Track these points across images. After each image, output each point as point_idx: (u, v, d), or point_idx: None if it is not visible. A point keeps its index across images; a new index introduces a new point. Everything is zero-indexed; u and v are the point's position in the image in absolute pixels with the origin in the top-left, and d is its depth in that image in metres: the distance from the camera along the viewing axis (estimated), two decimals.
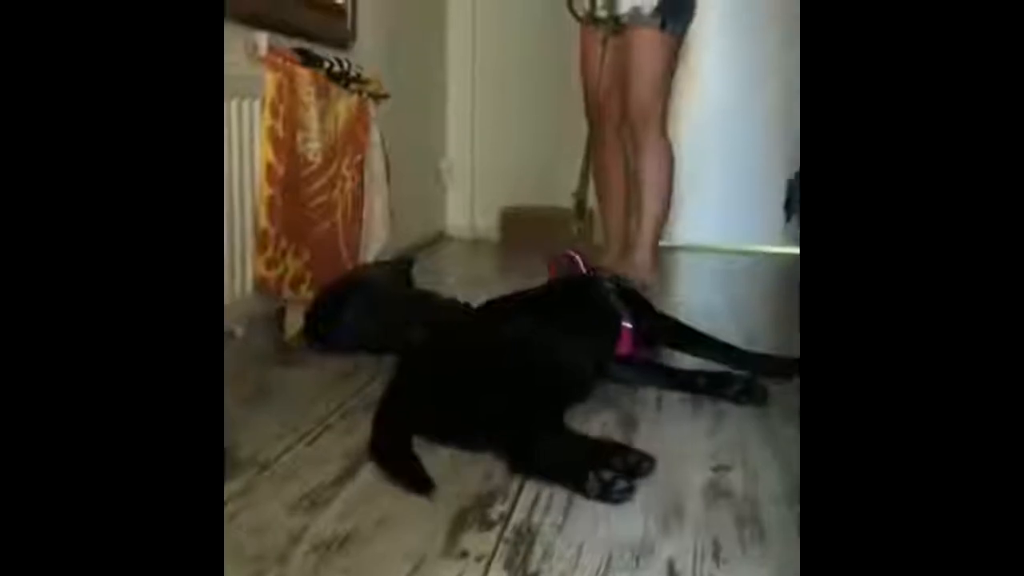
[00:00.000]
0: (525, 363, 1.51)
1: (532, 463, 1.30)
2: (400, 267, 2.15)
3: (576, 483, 1.24)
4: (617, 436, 1.49)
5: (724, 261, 3.42)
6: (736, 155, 3.53)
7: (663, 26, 2.54)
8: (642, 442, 1.45)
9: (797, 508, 1.19)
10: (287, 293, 1.79)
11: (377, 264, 2.15)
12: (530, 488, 1.26)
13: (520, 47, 3.61)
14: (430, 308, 1.99)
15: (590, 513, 1.19)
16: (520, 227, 3.58)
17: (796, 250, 3.09)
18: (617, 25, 2.60)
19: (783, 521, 1.19)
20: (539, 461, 1.30)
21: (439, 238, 3.65)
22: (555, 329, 1.63)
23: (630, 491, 1.24)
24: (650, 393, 1.72)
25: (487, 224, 3.66)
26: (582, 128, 3.56)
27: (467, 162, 3.71)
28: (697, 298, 2.75)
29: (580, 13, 2.68)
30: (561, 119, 3.60)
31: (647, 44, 2.55)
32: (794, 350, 1.48)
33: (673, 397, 1.68)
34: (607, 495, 1.22)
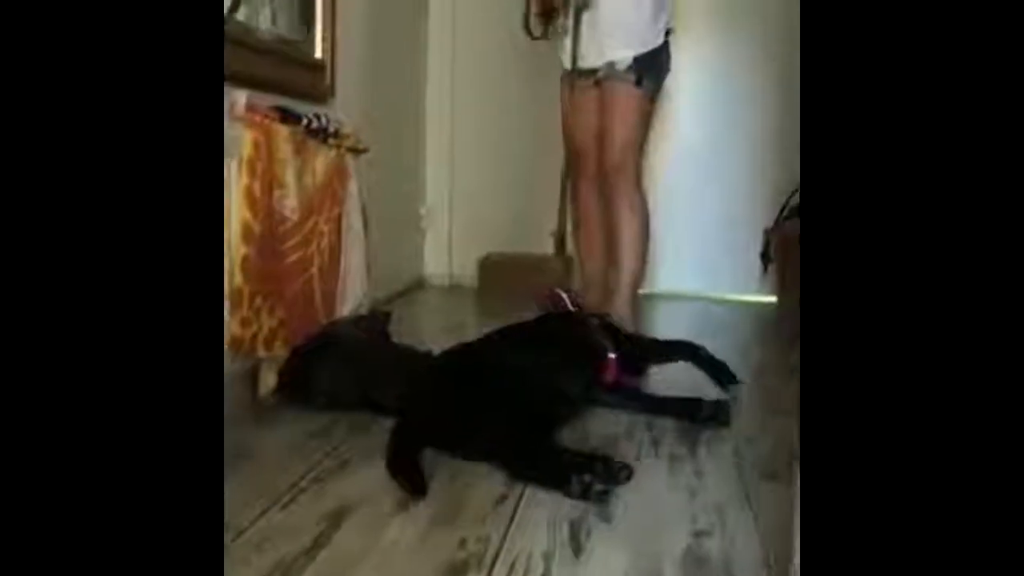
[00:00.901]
0: (522, 387, 1.73)
1: (525, 471, 1.53)
2: (376, 321, 2.14)
3: (560, 486, 1.46)
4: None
5: (701, 308, 3.44)
6: (714, 204, 3.57)
7: (638, 83, 2.59)
8: (621, 505, 1.45)
9: (774, 573, 1.20)
10: (261, 352, 1.78)
11: (353, 319, 2.14)
12: (506, 557, 1.25)
13: (498, 95, 3.65)
14: (405, 364, 1.98)
15: None
16: (498, 273, 3.59)
17: (773, 298, 3.12)
18: (593, 78, 2.65)
19: None
20: (531, 469, 1.53)
21: (418, 285, 3.64)
22: (548, 358, 1.88)
23: (607, 494, 1.45)
24: (630, 449, 1.72)
25: (465, 271, 3.67)
26: (558, 176, 3.62)
27: (445, 209, 3.73)
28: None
29: (564, 69, 2.73)
30: (538, 166, 3.64)
31: (622, 100, 2.60)
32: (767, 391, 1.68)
33: (652, 456, 1.67)
34: (587, 496, 1.44)
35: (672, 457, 1.69)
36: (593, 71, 2.66)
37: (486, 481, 1.54)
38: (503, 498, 1.48)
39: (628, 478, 1.52)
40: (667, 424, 1.90)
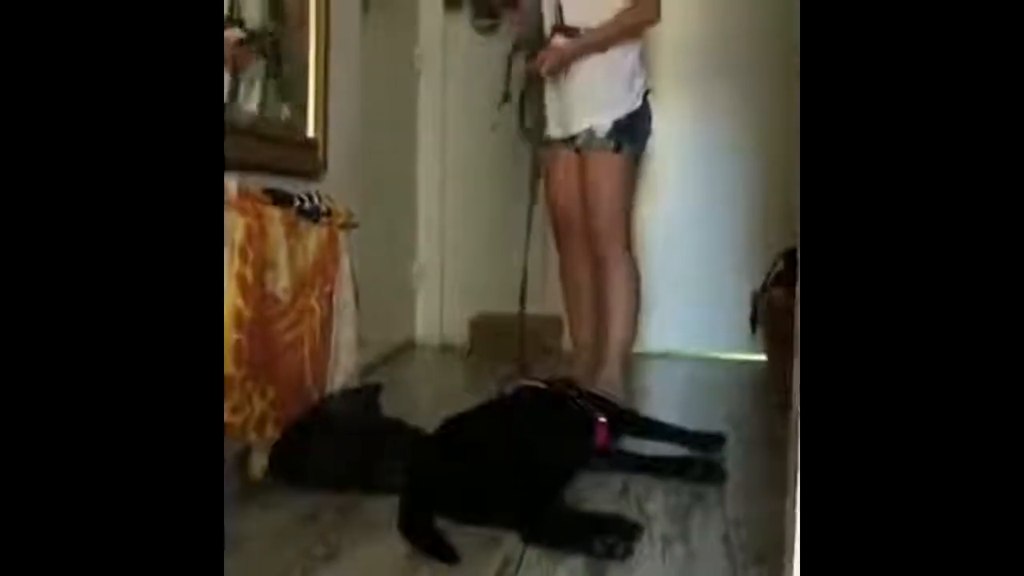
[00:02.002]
0: (527, 454, 1.80)
1: (541, 535, 1.61)
2: (367, 395, 2.15)
3: (584, 548, 1.55)
4: None
5: (690, 369, 3.45)
6: (701, 263, 3.60)
7: (618, 148, 2.59)
8: None
9: None
10: (252, 436, 1.78)
11: (344, 394, 2.15)
12: None
13: (489, 156, 3.69)
14: (395, 440, 1.98)
15: None
16: (489, 335, 3.60)
17: (763, 357, 3.13)
18: (572, 146, 2.66)
19: None
20: (547, 532, 1.61)
21: (408, 346, 3.65)
22: (544, 426, 1.99)
23: (629, 551, 1.56)
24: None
25: (456, 331, 3.68)
26: (547, 235, 3.66)
27: (436, 270, 3.75)
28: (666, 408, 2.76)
29: (546, 136, 2.76)
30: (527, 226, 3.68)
31: (603, 167, 2.60)
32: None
33: (645, 537, 1.67)
34: (612, 554, 1.54)
35: (664, 539, 1.69)
36: (572, 139, 2.67)
37: (477, 564, 1.54)
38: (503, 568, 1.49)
39: (641, 535, 1.64)
40: (658, 499, 1.90)
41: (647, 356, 3.53)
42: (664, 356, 3.56)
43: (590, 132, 2.61)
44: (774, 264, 2.91)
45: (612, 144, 2.59)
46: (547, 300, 3.66)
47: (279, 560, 1.56)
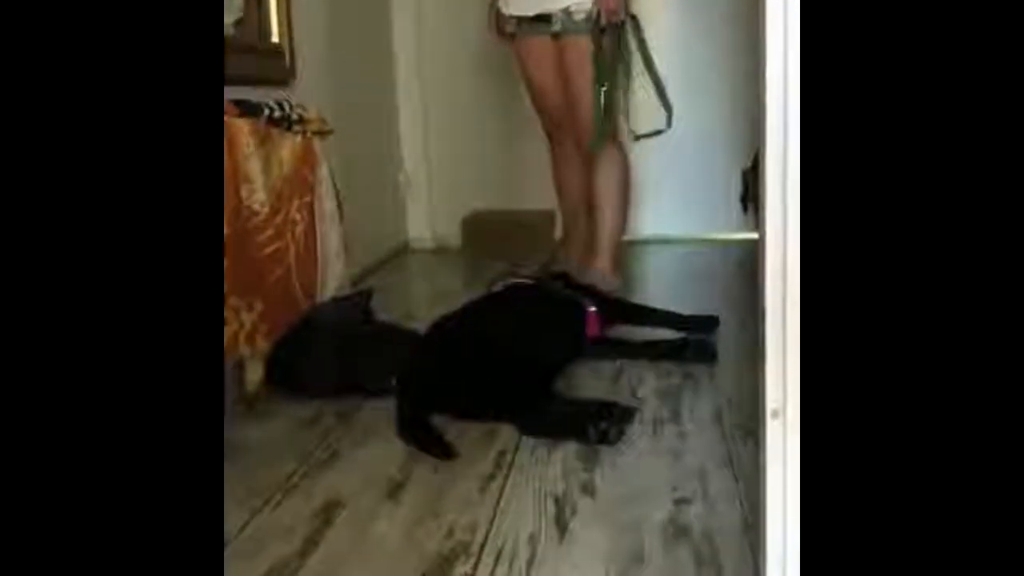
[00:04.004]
0: (516, 349, 1.82)
1: (537, 425, 1.65)
2: (358, 302, 2.15)
3: (578, 435, 1.60)
4: (579, 470, 1.52)
5: (686, 251, 3.45)
6: (690, 145, 3.54)
7: (600, 32, 2.44)
8: (605, 476, 1.49)
9: (754, 537, 1.23)
10: (244, 349, 1.79)
11: (335, 301, 2.15)
12: (492, 544, 1.28)
13: (469, 50, 3.59)
14: (390, 344, 2.00)
15: (551, 566, 1.22)
16: (483, 233, 3.59)
17: (755, 235, 3.12)
18: (547, 30, 2.52)
19: (741, 557, 1.22)
20: (541, 421, 1.65)
21: (402, 250, 3.65)
22: (534, 319, 2.00)
23: (621, 435, 1.60)
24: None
25: (450, 232, 3.66)
26: (536, 129, 3.59)
27: (424, 172, 3.70)
28: (662, 292, 2.78)
29: (508, 26, 2.62)
30: (514, 120, 3.61)
31: (584, 55, 2.47)
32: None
33: (635, 428, 1.69)
34: (605, 439, 1.58)
35: (656, 421, 1.72)
36: (546, 19, 2.50)
37: (474, 457, 1.58)
38: (491, 477, 1.51)
39: (633, 417, 1.67)
40: (649, 383, 1.93)
41: (640, 242, 3.52)
42: (657, 241, 3.55)
43: (568, 14, 2.46)
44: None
45: (591, 26, 2.44)
46: (540, 194, 3.64)
47: (281, 464, 1.59)
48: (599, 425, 1.60)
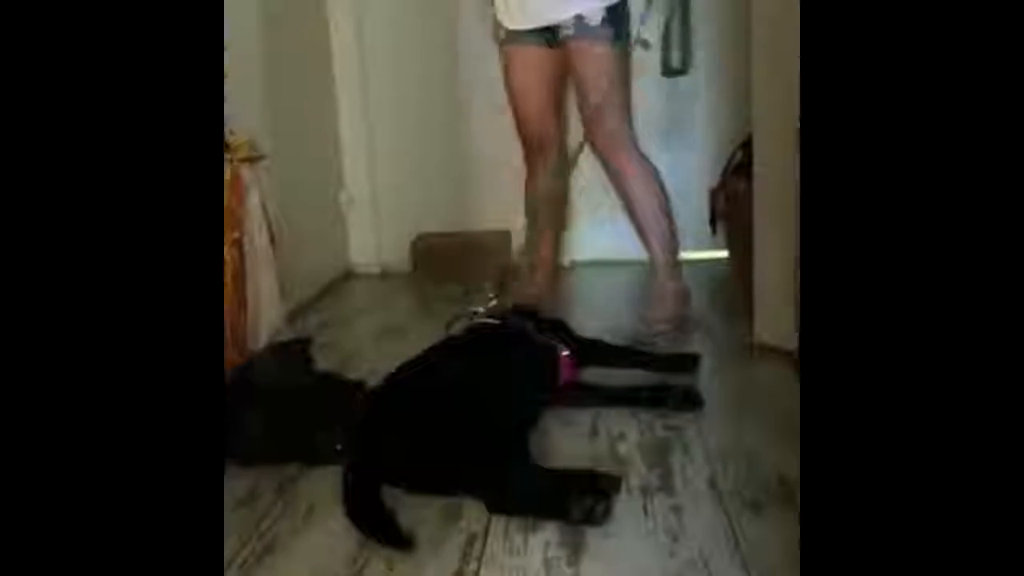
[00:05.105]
0: (479, 403, 1.57)
1: (510, 500, 1.42)
2: (295, 351, 1.90)
3: (559, 513, 1.38)
4: (562, 562, 1.30)
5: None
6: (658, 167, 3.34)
7: (615, 38, 2.22)
8: (593, 557, 1.28)
9: None
10: None
11: (270, 351, 1.89)
12: None
13: (414, 63, 3.35)
14: (335, 400, 1.75)
15: None
16: (433, 256, 3.34)
17: (724, 253, 2.93)
18: (554, 39, 2.30)
19: None
20: (517, 497, 1.42)
21: (345, 276, 3.38)
22: (498, 369, 1.73)
23: (608, 512, 1.38)
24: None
25: (395, 256, 3.41)
26: (487, 146, 3.36)
27: (367, 193, 3.44)
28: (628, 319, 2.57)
29: (503, 29, 2.37)
30: (463, 137, 3.37)
31: (600, 61, 2.23)
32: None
33: (621, 500, 1.47)
34: (591, 519, 1.36)
35: (645, 491, 1.50)
36: (549, 30, 2.28)
37: (437, 547, 1.35)
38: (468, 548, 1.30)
39: (619, 488, 1.47)
40: (631, 437, 1.72)
41: (601, 264, 3.30)
42: (621, 264, 3.33)
43: (581, 19, 2.21)
44: (732, 156, 2.67)
45: (610, 32, 2.21)
46: (492, 214, 3.41)
47: None
48: (583, 501, 1.38)
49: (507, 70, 2.44)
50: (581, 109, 2.35)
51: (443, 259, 3.33)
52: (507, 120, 3.33)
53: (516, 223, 3.34)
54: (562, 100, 2.54)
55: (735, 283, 2.63)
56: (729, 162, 2.70)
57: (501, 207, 3.39)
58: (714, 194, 2.81)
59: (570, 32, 2.24)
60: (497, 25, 2.41)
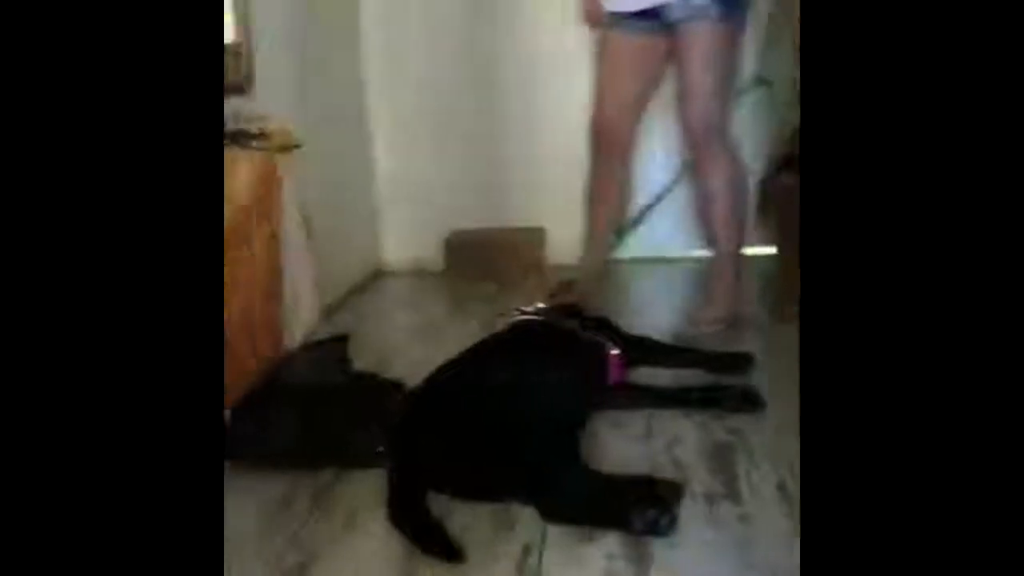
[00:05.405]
0: (525, 404, 1.48)
1: (565, 507, 1.32)
2: (332, 349, 1.81)
3: (619, 523, 1.28)
4: (628, 573, 1.20)
5: (700, 270, 3.13)
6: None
7: (725, 17, 2.06)
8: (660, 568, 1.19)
9: None
10: None
11: (305, 349, 1.81)
12: None
13: (449, 52, 3.26)
14: (373, 400, 1.66)
15: None
16: (467, 253, 3.25)
17: (772, 249, 2.81)
18: (660, 26, 2.15)
19: None
20: (572, 504, 1.31)
21: (377, 274, 3.30)
22: (544, 367, 1.63)
23: (673, 523, 1.28)
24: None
25: (428, 252, 3.32)
26: (521, 140, 3.26)
27: (401, 187, 3.35)
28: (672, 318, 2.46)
29: (607, 12, 2.23)
30: (498, 130, 3.28)
31: (705, 42, 2.08)
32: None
33: (685, 507, 1.37)
34: (656, 530, 1.26)
35: (709, 498, 1.40)
36: (653, 12, 2.12)
37: (489, 558, 1.25)
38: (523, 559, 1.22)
39: (681, 497, 1.37)
40: (689, 440, 1.61)
41: (647, 261, 3.18)
42: (669, 261, 3.21)
43: (687, 1, 2.07)
44: (782, 145, 2.56)
45: (717, 11, 2.06)
46: (527, 211, 3.32)
47: (248, 571, 1.26)
48: (645, 512, 1.28)
49: (601, 57, 2.30)
50: (679, 92, 2.20)
51: (477, 256, 3.24)
52: (542, 115, 3.27)
53: (552, 220, 3.26)
54: (647, 103, 2.36)
55: (784, 280, 2.52)
56: (780, 154, 2.60)
57: (536, 203, 3.30)
58: (764, 186, 2.70)
59: (677, 14, 2.09)
60: (591, 6, 2.28)
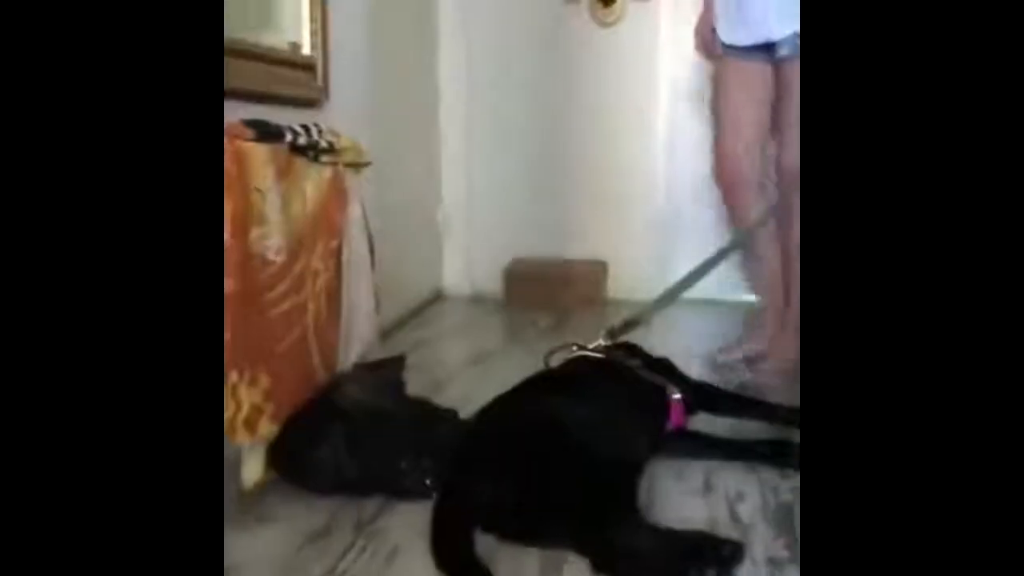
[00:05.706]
0: (583, 446, 1.41)
1: (618, 562, 1.25)
2: (387, 372, 1.77)
3: None
4: None
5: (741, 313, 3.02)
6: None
7: None
8: None
9: None
10: (242, 437, 1.41)
11: (359, 370, 1.77)
12: None
13: (520, 82, 3.25)
14: (424, 431, 1.61)
15: None
16: (526, 283, 3.21)
17: None
18: (766, 57, 2.10)
19: None
20: (624, 559, 1.24)
21: (436, 297, 3.27)
22: (603, 407, 1.56)
23: None
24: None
25: (488, 279, 3.28)
26: (588, 172, 3.22)
27: (464, 212, 3.33)
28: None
29: (721, 43, 2.18)
30: (564, 161, 3.24)
31: None
32: None
33: (745, 571, 1.28)
34: None
35: (771, 563, 1.31)
36: (768, 47, 2.08)
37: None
38: None
39: (742, 558, 1.27)
40: (752, 497, 1.53)
41: (692, 304, 3.08)
42: (710, 303, 3.11)
43: (797, 36, 1.99)
44: None
45: None
46: (590, 243, 3.26)
47: None
48: (703, 572, 1.20)
49: (719, 90, 2.24)
50: (780, 131, 2.14)
51: (537, 286, 3.19)
52: (611, 146, 3.23)
53: (614, 255, 3.20)
54: (766, 131, 2.24)
55: None
56: None
57: (600, 236, 3.25)
58: None
59: (787, 52, 2.04)
60: (706, 38, 2.24)
